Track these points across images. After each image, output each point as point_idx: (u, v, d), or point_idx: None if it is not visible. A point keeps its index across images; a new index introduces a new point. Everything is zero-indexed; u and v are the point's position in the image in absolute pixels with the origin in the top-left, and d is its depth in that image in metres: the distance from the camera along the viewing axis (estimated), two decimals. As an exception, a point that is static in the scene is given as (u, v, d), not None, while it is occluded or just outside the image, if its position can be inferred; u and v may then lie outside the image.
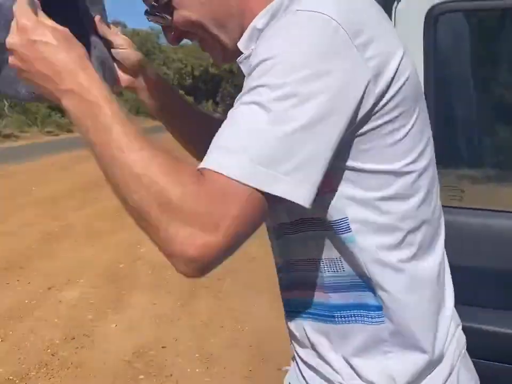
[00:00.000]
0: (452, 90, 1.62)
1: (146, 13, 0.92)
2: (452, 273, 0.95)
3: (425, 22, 1.31)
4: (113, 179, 0.72)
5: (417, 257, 0.85)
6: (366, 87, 0.72)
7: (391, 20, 1.35)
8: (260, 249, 6.15)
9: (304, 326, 0.94)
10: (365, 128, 0.75)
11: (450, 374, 0.89)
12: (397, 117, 0.76)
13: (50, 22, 0.80)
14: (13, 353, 3.63)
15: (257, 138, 0.67)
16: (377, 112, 0.75)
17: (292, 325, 0.98)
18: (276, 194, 0.67)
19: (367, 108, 0.73)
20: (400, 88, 0.76)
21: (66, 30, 0.80)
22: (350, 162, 0.77)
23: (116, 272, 5.35)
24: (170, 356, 3.61)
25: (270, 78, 0.69)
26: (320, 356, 0.92)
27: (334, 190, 0.79)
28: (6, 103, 28.87)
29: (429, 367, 0.87)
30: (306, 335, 0.93)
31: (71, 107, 0.76)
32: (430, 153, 0.85)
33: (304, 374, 0.97)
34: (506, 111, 2.54)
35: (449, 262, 0.95)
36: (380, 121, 0.75)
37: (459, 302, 0.96)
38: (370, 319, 0.85)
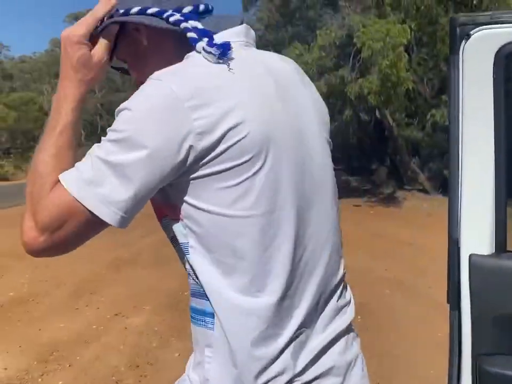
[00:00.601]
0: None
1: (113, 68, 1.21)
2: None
3: (495, 61, 1.28)
4: (30, 171, 1.00)
5: (244, 290, 0.99)
6: (187, 142, 0.91)
7: (458, 58, 1.32)
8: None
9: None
10: (197, 174, 0.94)
11: None
12: (229, 168, 0.93)
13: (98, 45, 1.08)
14: (79, 379, 3.72)
15: (90, 165, 0.92)
16: (207, 162, 0.93)
17: None
18: (87, 207, 0.91)
19: (191, 158, 0.92)
20: (231, 146, 0.92)
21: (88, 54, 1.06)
22: (190, 200, 0.97)
23: (181, 300, 5.41)
24: (231, 388, 3.58)
25: (114, 124, 0.94)
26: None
27: (181, 219, 1.01)
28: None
29: None
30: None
31: (53, 103, 1.06)
32: (276, 203, 0.99)
33: None
34: None
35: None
36: (209, 170, 0.93)
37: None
38: (208, 324, 1.04)
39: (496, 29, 1.28)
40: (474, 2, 11.55)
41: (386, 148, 16.17)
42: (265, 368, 0.99)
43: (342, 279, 1.18)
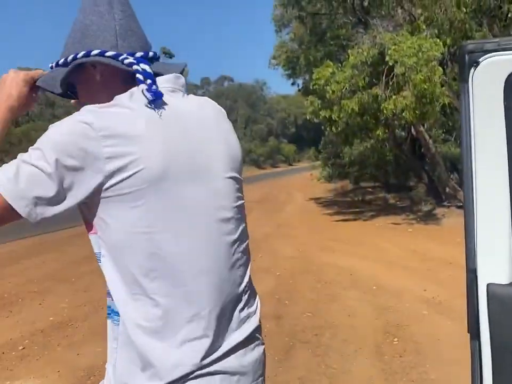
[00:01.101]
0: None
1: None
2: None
3: (505, 88, 1.26)
4: None
5: (142, 298, 1.22)
6: (96, 162, 1.14)
7: (468, 86, 1.32)
8: (360, 303, 6.00)
9: None
10: (105, 194, 1.17)
11: None
12: (127, 193, 1.16)
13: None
14: None
15: (14, 166, 1.15)
16: (111, 186, 1.15)
17: None
18: (4, 197, 1.12)
19: (99, 178, 1.15)
20: (130, 176, 1.14)
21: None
22: (101, 215, 1.20)
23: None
24: (265, 414, 3.55)
25: (42, 136, 1.18)
26: None
27: (95, 233, 1.25)
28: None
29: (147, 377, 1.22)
30: None
31: None
32: (169, 223, 1.21)
33: None
34: None
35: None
36: (116, 192, 1.16)
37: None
38: (114, 320, 1.29)
39: (505, 55, 1.27)
40: (509, 15, 11.39)
41: (423, 164, 15.94)
42: (164, 361, 1.20)
43: (245, 290, 1.39)
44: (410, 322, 5.23)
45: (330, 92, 11.57)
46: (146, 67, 1.28)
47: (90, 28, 1.34)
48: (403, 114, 11.09)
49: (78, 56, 1.32)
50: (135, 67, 1.27)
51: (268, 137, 51.92)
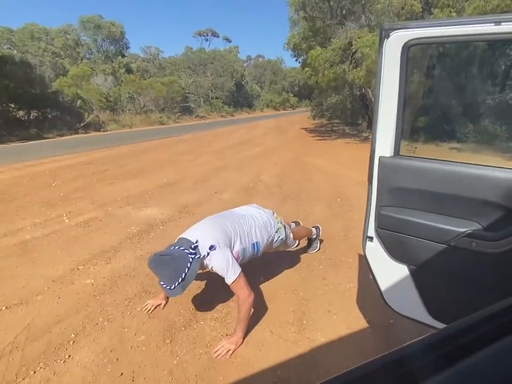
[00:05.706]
0: (417, 100, 1.47)
1: None
2: None
3: (401, 52, 1.20)
4: None
5: None
6: None
7: (382, 49, 1.25)
8: (323, 182, 6.02)
9: None
10: None
11: None
12: None
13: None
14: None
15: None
16: None
17: None
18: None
19: None
20: None
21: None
22: None
23: (247, 188, 5.58)
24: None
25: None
26: None
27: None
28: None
29: None
30: None
31: None
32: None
33: None
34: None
35: None
36: None
37: None
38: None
39: (404, 32, 1.19)
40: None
41: (367, 110, 15.12)
42: None
43: None
44: (347, 192, 5.33)
45: (318, 65, 10.80)
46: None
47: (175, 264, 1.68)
48: (357, 81, 10.37)
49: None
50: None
51: (282, 92, 49.27)
